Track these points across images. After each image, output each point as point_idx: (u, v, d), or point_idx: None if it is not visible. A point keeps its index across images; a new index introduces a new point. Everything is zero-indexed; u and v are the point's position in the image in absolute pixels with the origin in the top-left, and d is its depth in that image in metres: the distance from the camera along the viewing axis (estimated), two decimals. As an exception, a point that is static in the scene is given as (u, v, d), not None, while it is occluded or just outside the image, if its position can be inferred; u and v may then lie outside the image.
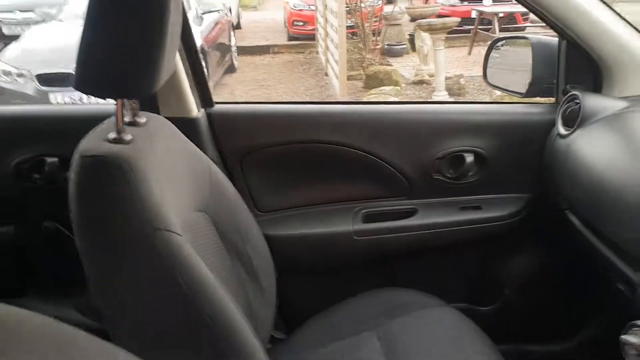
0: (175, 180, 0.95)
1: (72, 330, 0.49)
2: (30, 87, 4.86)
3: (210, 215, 1.07)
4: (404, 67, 7.53)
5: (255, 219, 1.24)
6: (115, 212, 0.81)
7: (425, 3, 9.76)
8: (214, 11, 6.68)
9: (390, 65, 7.50)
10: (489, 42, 1.58)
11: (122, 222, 0.81)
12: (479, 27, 7.84)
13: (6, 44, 6.81)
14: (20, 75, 4.92)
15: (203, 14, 6.28)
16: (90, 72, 0.82)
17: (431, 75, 6.51)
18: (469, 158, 1.39)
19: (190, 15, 5.89)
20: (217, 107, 1.41)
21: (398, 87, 6.42)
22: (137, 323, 0.85)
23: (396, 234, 1.41)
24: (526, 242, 1.48)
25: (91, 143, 0.85)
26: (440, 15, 7.49)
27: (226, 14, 8.00)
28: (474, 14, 8.17)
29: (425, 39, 6.71)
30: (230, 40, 7.79)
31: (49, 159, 1.40)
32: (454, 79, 6.23)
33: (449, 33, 6.22)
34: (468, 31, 8.00)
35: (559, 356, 1.47)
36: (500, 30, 7.25)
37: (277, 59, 8.79)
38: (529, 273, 1.48)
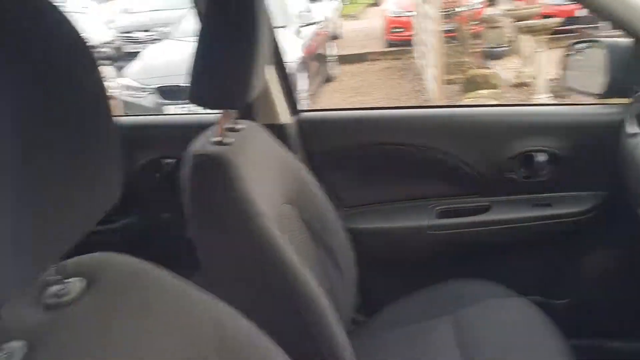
0: (267, 176, 1.12)
1: (182, 283, 0.66)
2: (150, 99, 5.36)
3: (297, 208, 1.23)
4: (505, 69, 7.38)
5: (338, 213, 1.39)
6: (217, 200, 0.99)
7: (528, 3, 9.46)
8: (313, 23, 6.94)
9: (490, 68, 7.39)
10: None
11: (223, 209, 0.99)
12: (585, 26, 7.50)
13: (127, 61, 7.49)
14: (141, 89, 5.46)
15: (303, 26, 6.56)
16: (201, 89, 1.02)
17: (532, 78, 6.35)
18: (541, 157, 1.46)
19: (291, 29, 6.21)
20: (304, 114, 1.58)
21: (497, 91, 6.33)
22: (234, 299, 1.02)
23: (470, 229, 1.51)
24: (599, 238, 1.51)
25: (199, 145, 1.04)
26: (543, 16, 7.27)
27: (326, 25, 8.26)
28: (579, 13, 7.82)
29: (526, 41, 6.56)
30: (329, 50, 8.04)
31: (167, 160, 1.64)
32: (556, 81, 6.03)
33: (552, 33, 6.05)
34: (573, 31, 7.68)
35: (636, 353, 1.48)
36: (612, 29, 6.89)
37: (374, 66, 8.92)
38: (603, 269, 1.51)
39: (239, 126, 1.15)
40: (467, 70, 7.05)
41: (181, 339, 0.59)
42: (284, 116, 1.52)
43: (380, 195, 1.58)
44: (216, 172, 0.99)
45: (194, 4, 1.46)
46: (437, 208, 1.55)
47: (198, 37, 1.04)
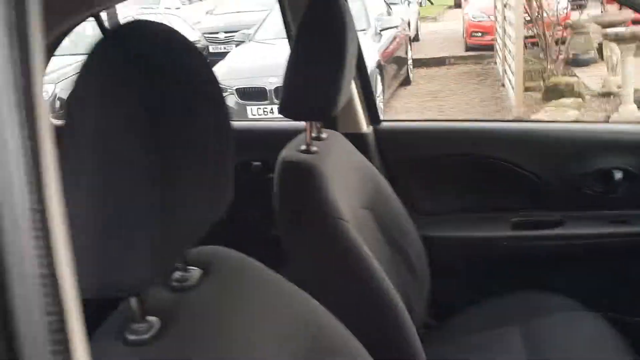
0: (347, 183, 1.21)
1: (281, 279, 0.76)
2: (231, 100, 5.60)
3: (374, 214, 1.31)
4: (590, 78, 7.11)
5: (414, 220, 1.45)
6: (303, 203, 1.09)
7: (620, 9, 9.03)
8: (392, 27, 6.97)
9: (575, 76, 7.14)
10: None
11: (308, 212, 1.09)
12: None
13: (211, 60, 7.77)
14: (224, 90, 5.69)
15: (382, 30, 6.60)
16: (290, 102, 1.12)
17: (619, 87, 6.09)
18: (617, 175, 1.47)
19: (370, 33, 6.28)
20: (383, 124, 1.65)
21: (580, 100, 6.12)
22: (315, 296, 1.11)
23: (544, 241, 1.53)
24: None
25: (289, 152, 1.14)
26: (634, 22, 6.93)
27: (404, 29, 8.26)
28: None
29: (614, 48, 6.30)
30: (406, 54, 8.04)
31: (254, 163, 1.76)
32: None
33: (643, 41, 5.78)
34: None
35: None
36: None
37: (452, 70, 8.83)
38: None
39: (323, 135, 1.24)
40: (550, 78, 6.85)
41: (278, 329, 0.68)
42: (364, 125, 1.60)
43: (455, 204, 1.63)
44: (303, 178, 1.09)
45: (285, 25, 1.55)
46: (512, 220, 1.57)
47: (290, 53, 1.14)
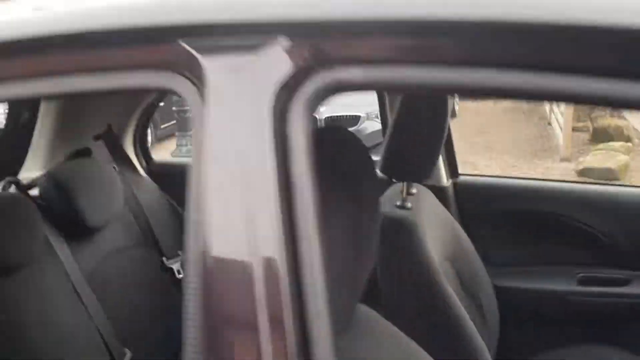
0: (435, 235, 1.32)
1: (386, 322, 0.89)
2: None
3: (454, 264, 1.42)
4: (640, 121, 7.07)
5: (487, 270, 1.55)
6: (400, 255, 1.22)
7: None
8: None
9: (623, 118, 7.11)
10: None
11: (404, 262, 1.21)
12: None
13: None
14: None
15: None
16: (392, 163, 1.26)
17: (671, 133, 6.07)
18: None
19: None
20: (461, 177, 1.77)
21: (630, 144, 6.11)
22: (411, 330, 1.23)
23: (609, 298, 1.61)
24: None
25: (387, 208, 1.27)
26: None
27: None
28: None
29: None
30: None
31: None
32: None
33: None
34: None
35: None
36: None
37: (498, 105, 8.86)
38: None
39: (413, 190, 1.36)
40: (598, 119, 6.84)
41: None
42: (444, 178, 1.72)
43: (525, 257, 1.72)
44: (403, 234, 1.21)
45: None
46: (579, 275, 1.66)
47: (393, 120, 1.28)
